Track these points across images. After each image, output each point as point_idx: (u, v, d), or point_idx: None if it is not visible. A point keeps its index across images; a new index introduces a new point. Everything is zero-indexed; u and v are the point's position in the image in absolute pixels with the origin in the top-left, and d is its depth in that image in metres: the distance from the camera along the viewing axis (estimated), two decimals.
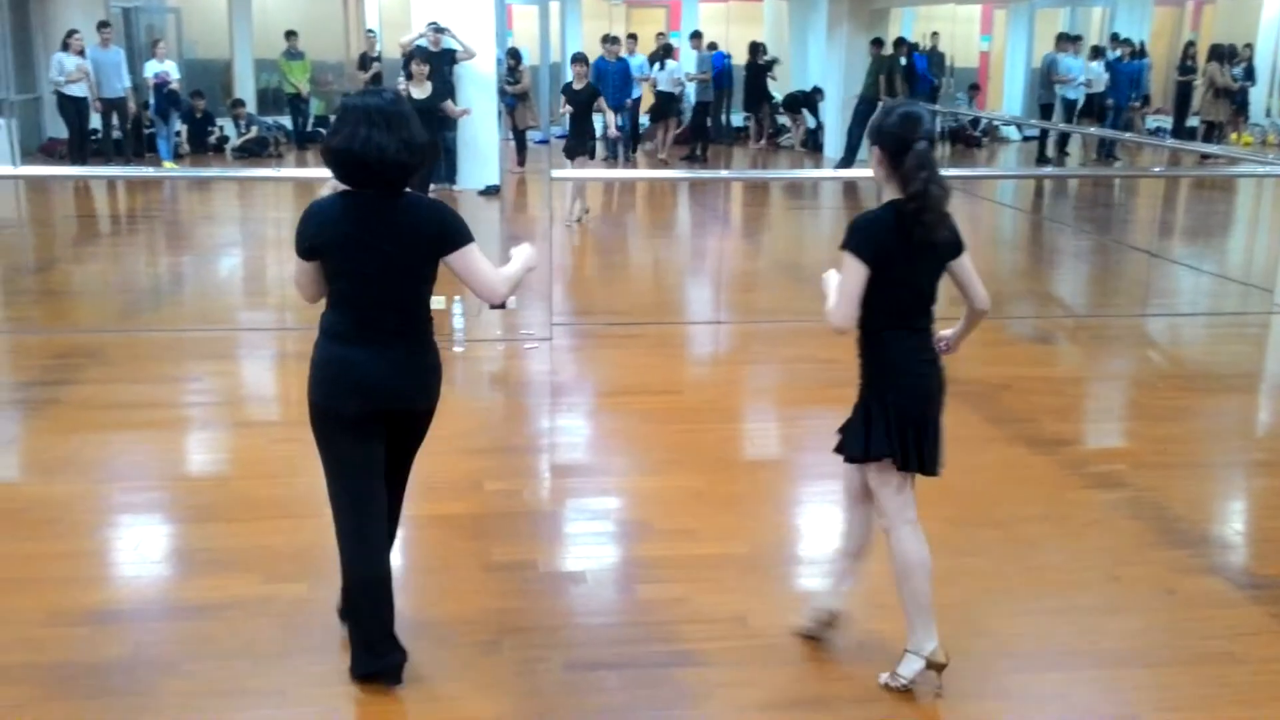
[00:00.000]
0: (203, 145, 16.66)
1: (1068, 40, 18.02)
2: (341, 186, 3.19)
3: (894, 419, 3.22)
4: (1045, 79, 17.98)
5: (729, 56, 19.27)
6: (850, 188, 14.25)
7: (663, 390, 6.34)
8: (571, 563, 4.27)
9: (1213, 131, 17.96)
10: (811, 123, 18.90)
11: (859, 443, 3.29)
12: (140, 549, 4.31)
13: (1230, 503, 5.17)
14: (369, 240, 3.11)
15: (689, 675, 3.46)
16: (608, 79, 16.49)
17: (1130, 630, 3.79)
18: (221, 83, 18.73)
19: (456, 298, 6.89)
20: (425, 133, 3.22)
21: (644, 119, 18.55)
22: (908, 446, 3.24)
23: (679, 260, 10.99)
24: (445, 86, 12.25)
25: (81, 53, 14.41)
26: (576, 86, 11.57)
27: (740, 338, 7.69)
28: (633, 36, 17.37)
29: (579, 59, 12.13)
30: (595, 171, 13.84)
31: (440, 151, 11.26)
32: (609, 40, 15.93)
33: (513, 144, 15.95)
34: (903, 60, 16.63)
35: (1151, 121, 20.85)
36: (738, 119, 20.23)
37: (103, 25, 14.96)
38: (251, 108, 17.75)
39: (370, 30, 17.88)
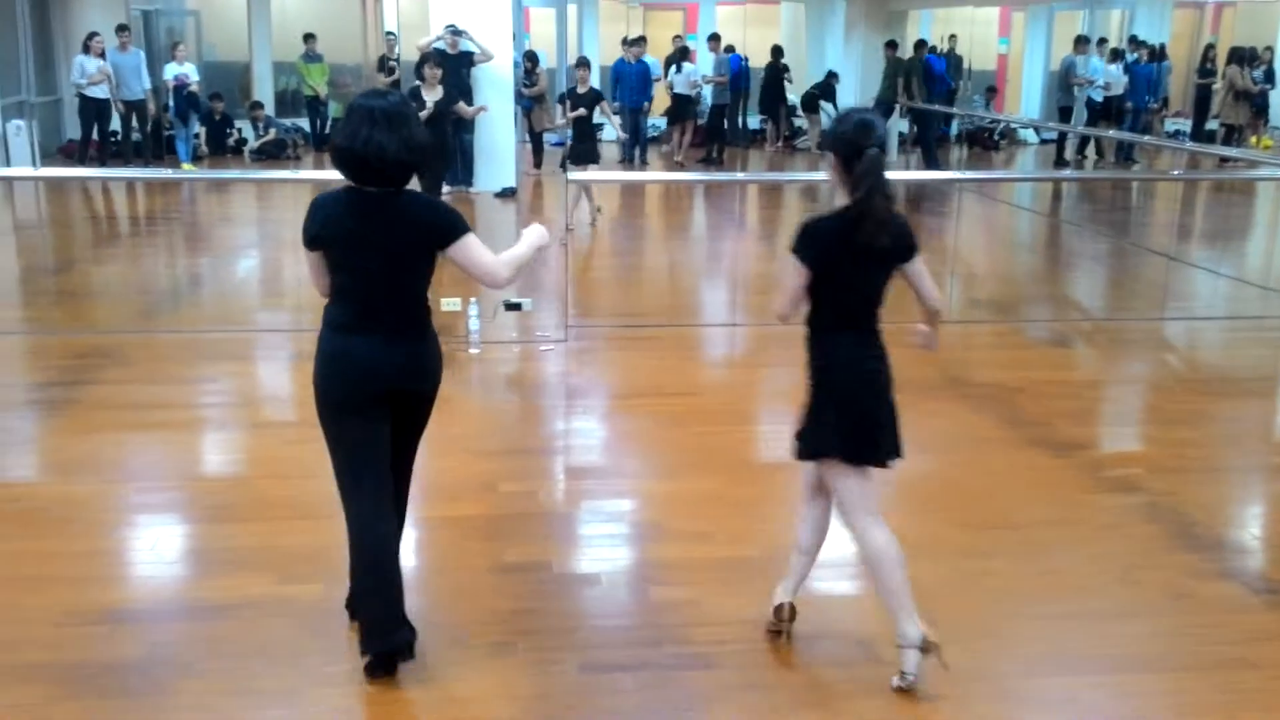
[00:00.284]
0: (221, 147, 16.73)
1: (1084, 43, 17.96)
2: None
3: (837, 416, 3.30)
4: (1064, 82, 17.92)
5: (745, 59, 19.26)
6: None
7: (678, 393, 6.34)
8: (586, 564, 4.27)
9: (1232, 134, 17.86)
10: (832, 113, 18.76)
11: (806, 441, 3.38)
12: (156, 549, 4.33)
13: (1247, 507, 5.14)
14: (368, 235, 3.25)
15: (703, 678, 3.46)
16: (626, 80, 16.52)
17: (1144, 635, 3.78)
18: (240, 85, 18.80)
19: (473, 300, 6.91)
20: (427, 133, 3.37)
21: (660, 121, 18.57)
22: (855, 441, 3.31)
23: (694, 263, 11.00)
24: (463, 89, 12.28)
25: (102, 55, 14.49)
26: (580, 90, 11.55)
27: (756, 340, 7.69)
28: (642, 39, 17.36)
29: (582, 63, 12.13)
30: (610, 174, 13.85)
31: (445, 154, 11.29)
32: (630, 42, 15.94)
33: (529, 146, 15.98)
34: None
35: (1170, 124, 20.75)
36: (754, 121, 20.20)
37: (121, 29, 15.03)
38: (270, 110, 17.82)
39: (389, 33, 17.93)
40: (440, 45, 12.40)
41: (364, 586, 3.46)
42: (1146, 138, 17.00)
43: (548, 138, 16.29)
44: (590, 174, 11.27)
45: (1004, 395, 6.25)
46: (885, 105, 16.06)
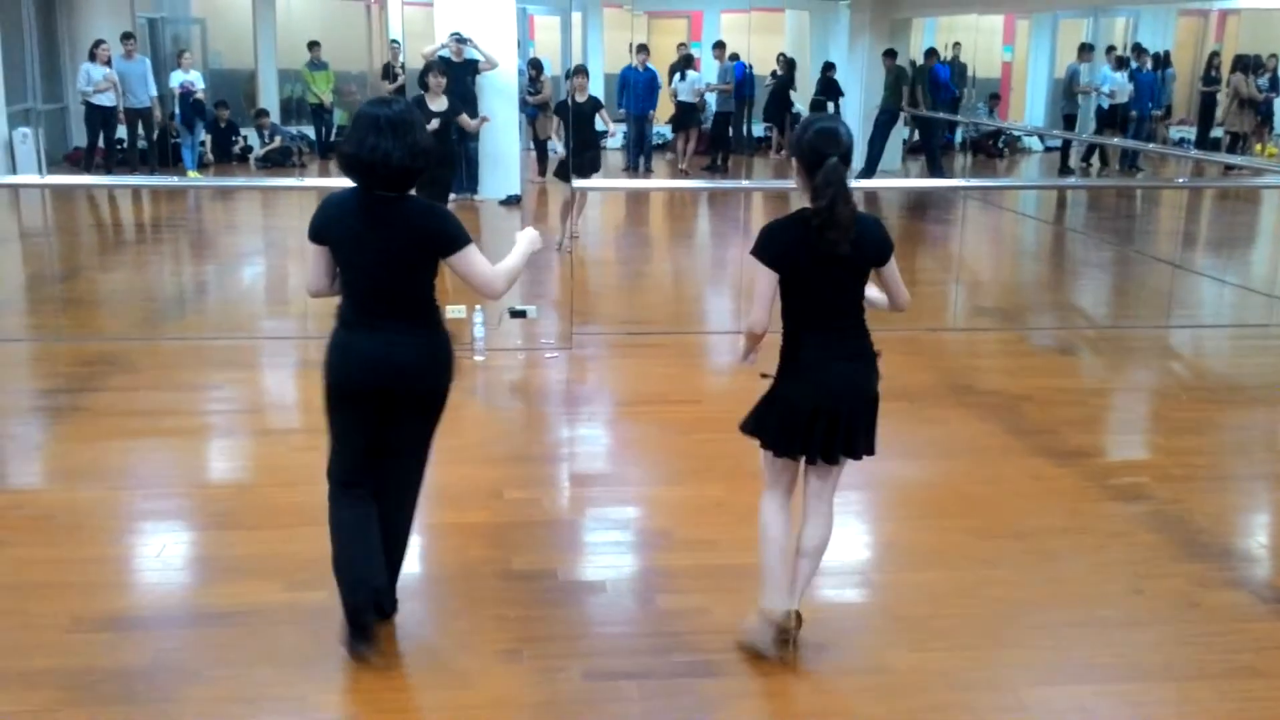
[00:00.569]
0: (227, 155, 16.77)
1: (1088, 51, 17.98)
2: None
3: (783, 410, 3.47)
4: (1068, 89, 17.93)
5: (750, 67, 19.27)
6: (871, 198, 14.24)
7: (683, 400, 6.34)
8: (591, 572, 4.27)
9: (1237, 142, 17.85)
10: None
11: (747, 418, 3.60)
12: (163, 555, 4.33)
13: (1254, 516, 5.13)
14: (372, 237, 3.38)
15: (708, 686, 3.46)
16: (634, 88, 16.53)
17: (1151, 643, 3.77)
18: (245, 93, 18.84)
19: (477, 307, 6.92)
20: (432, 139, 3.51)
21: (664, 129, 18.58)
22: (783, 434, 3.48)
23: (699, 270, 11.00)
24: (467, 97, 12.30)
25: (109, 63, 14.53)
26: (579, 99, 11.51)
27: (761, 347, 7.66)
28: (643, 48, 17.37)
29: (580, 71, 12.12)
30: (615, 182, 13.87)
31: (452, 162, 11.31)
32: (640, 50, 15.99)
33: (534, 154, 16.00)
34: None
35: (1175, 132, 20.74)
36: (758, 129, 20.22)
37: (127, 36, 15.07)
38: (275, 118, 17.83)
39: (394, 40, 17.96)
40: (445, 53, 12.43)
41: (335, 565, 3.56)
42: (1151, 145, 16.99)
43: (553, 145, 16.33)
44: (597, 182, 11.26)
45: (1009, 403, 6.24)
46: (889, 114, 16.07)
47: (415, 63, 15.16)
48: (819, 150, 3.27)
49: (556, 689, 3.43)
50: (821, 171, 3.24)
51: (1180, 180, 14.92)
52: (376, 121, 3.30)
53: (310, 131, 17.76)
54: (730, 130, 18.36)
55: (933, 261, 10.89)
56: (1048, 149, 19.97)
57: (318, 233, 3.45)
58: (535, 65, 16.53)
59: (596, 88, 15.48)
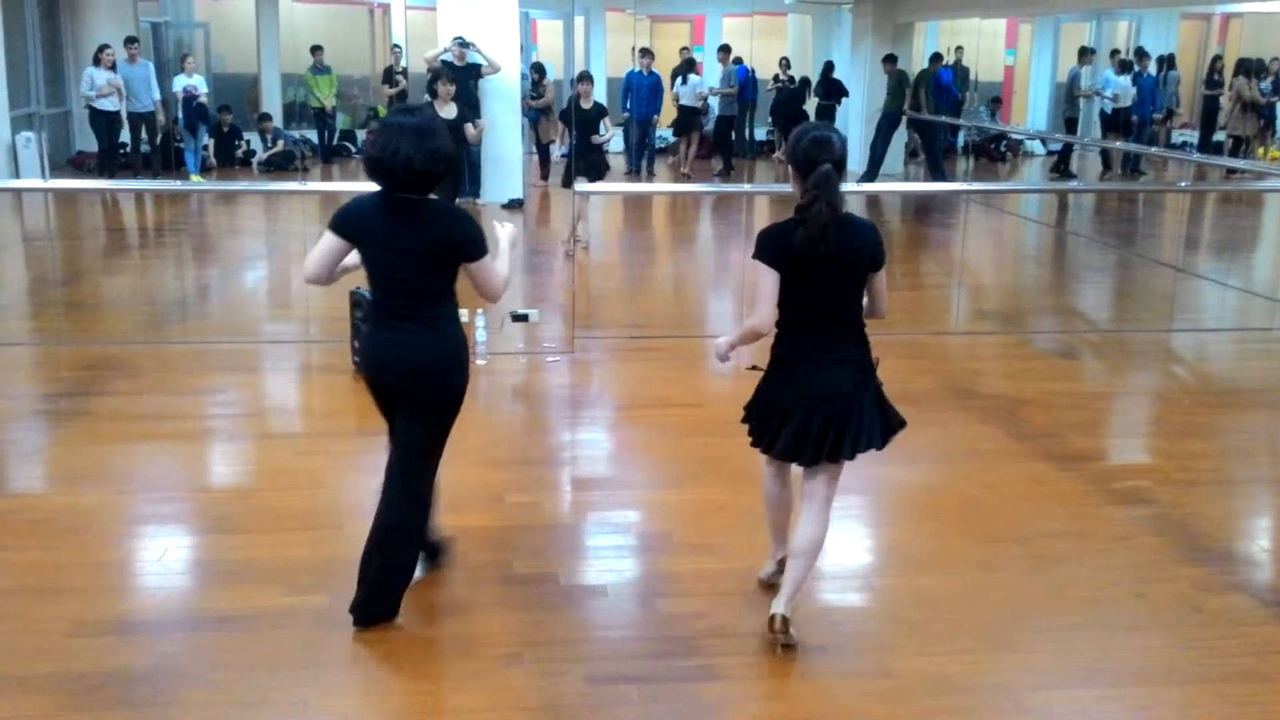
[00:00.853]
0: (230, 159, 16.78)
1: (1089, 54, 17.98)
2: None
3: (760, 404, 3.72)
4: (1070, 93, 17.93)
5: (752, 70, 19.29)
6: (874, 201, 14.24)
7: (684, 403, 6.35)
8: (593, 576, 4.27)
9: (1240, 146, 17.84)
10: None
11: (747, 408, 3.83)
12: (164, 560, 4.33)
13: (1256, 520, 5.13)
14: (395, 238, 3.55)
15: (710, 690, 3.46)
16: (638, 91, 16.53)
17: (1154, 647, 3.77)
18: (248, 97, 18.86)
19: (479, 311, 6.92)
20: (452, 145, 3.64)
21: (667, 133, 18.59)
22: (761, 430, 3.73)
23: (701, 274, 11.01)
24: (470, 101, 12.30)
25: (113, 67, 14.55)
26: (585, 105, 11.48)
27: (763, 351, 7.66)
28: (645, 51, 17.39)
29: (584, 77, 12.10)
30: (618, 186, 13.87)
31: (457, 166, 11.34)
32: (644, 53, 16.00)
33: (536, 158, 16.02)
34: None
35: (1178, 136, 20.74)
36: (761, 133, 20.23)
37: (130, 41, 15.10)
38: (278, 122, 17.86)
39: (396, 45, 17.99)
40: (447, 57, 12.44)
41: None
42: (1154, 149, 16.98)
43: (555, 149, 16.34)
44: (599, 185, 11.27)
45: (1011, 407, 6.24)
46: (891, 117, 16.07)
47: (417, 67, 15.20)
48: (813, 157, 3.44)
49: (558, 693, 3.43)
50: (813, 177, 3.41)
51: (1183, 184, 14.92)
52: (401, 129, 3.49)
53: (313, 136, 17.78)
54: (732, 134, 18.37)
55: (935, 265, 10.89)
56: (1050, 153, 19.97)
57: (340, 227, 3.60)
58: (538, 69, 16.54)
59: (599, 92, 15.47)
